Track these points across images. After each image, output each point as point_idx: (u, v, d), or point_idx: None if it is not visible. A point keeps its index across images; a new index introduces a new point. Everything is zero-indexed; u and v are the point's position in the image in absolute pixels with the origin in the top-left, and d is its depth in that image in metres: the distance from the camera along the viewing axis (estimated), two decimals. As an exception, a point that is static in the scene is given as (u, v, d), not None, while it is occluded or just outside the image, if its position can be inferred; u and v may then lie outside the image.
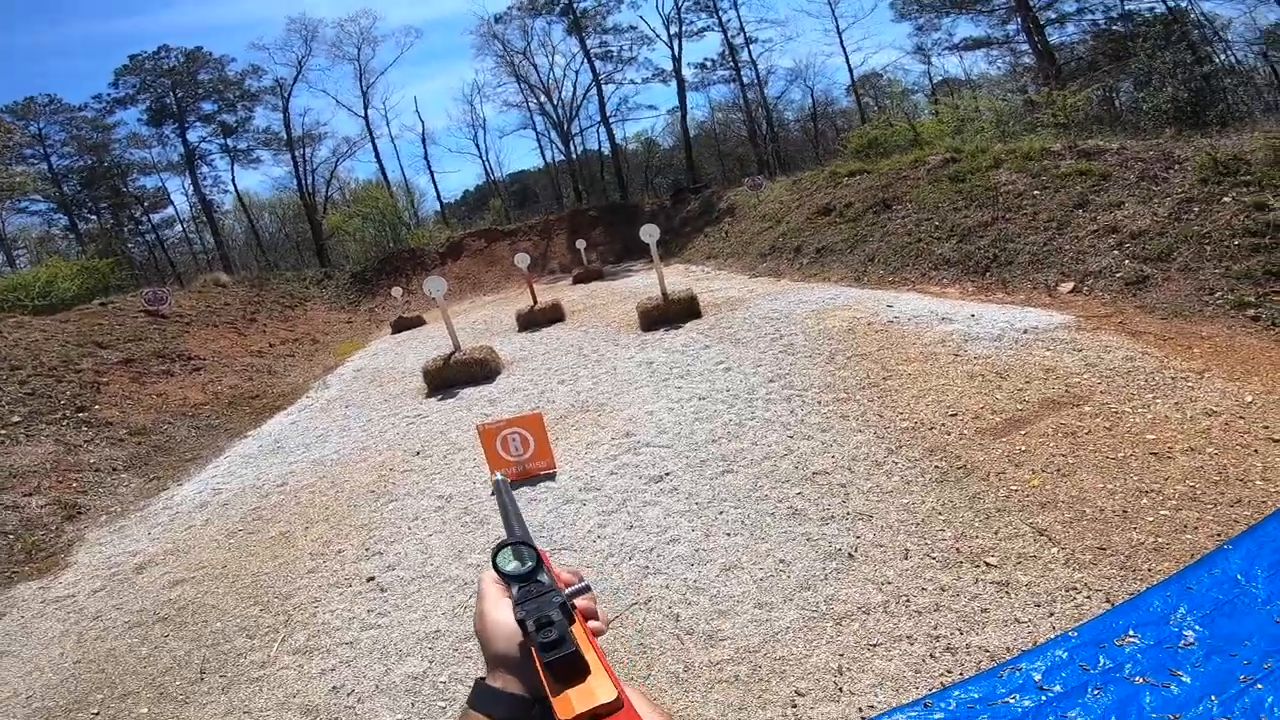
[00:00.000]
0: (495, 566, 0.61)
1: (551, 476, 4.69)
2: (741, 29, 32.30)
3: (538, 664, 0.52)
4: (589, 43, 32.25)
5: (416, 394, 8.44)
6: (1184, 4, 20.74)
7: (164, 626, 3.99)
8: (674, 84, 32.91)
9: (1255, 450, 3.25)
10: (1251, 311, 5.12)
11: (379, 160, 33.70)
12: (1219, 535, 2.62)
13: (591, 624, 0.59)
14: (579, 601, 0.59)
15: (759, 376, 5.79)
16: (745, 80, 33.24)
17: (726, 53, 33.08)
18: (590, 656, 0.52)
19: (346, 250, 28.54)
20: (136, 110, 31.64)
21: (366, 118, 32.94)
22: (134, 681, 3.46)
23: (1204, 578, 1.59)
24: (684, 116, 33.35)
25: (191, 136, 32.39)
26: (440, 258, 24.04)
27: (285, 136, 32.32)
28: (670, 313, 8.96)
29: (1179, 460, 3.30)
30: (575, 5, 31.60)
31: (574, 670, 0.51)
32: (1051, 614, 2.46)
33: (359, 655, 3.22)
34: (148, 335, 12.84)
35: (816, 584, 2.93)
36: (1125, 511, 3.00)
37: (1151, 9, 22.62)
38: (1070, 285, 6.78)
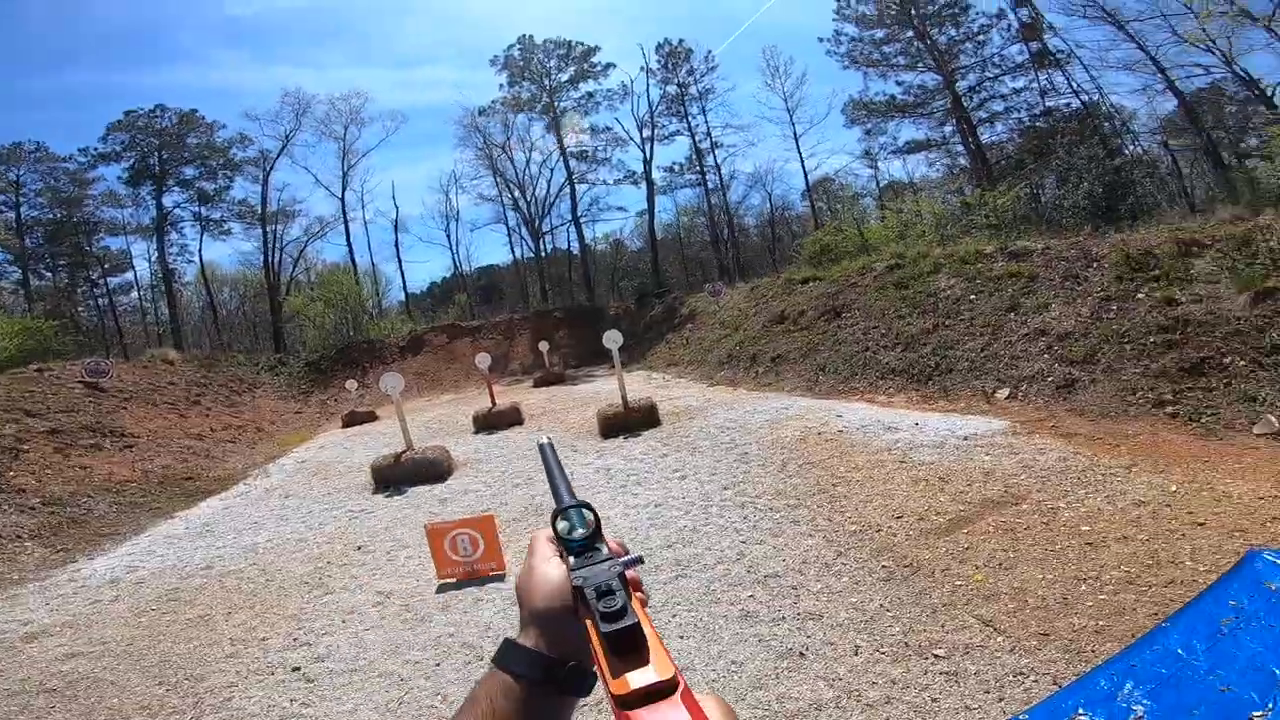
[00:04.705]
0: (555, 531, 0.58)
1: (501, 578, 4.54)
2: (709, 134, 32.93)
3: (593, 635, 0.49)
4: (566, 141, 32.71)
5: (362, 489, 8.11)
6: (1095, 99, 22.15)
7: (50, 698, 3.66)
8: (644, 186, 33.41)
9: (1183, 534, 3.47)
10: (1170, 409, 5.56)
11: (349, 243, 32.56)
12: (1156, 614, 2.72)
13: (638, 595, 0.54)
14: (629, 572, 0.54)
15: (714, 484, 5.86)
16: (710, 185, 33.79)
17: (694, 157, 33.63)
18: (647, 630, 0.48)
19: (304, 336, 27.72)
20: (119, 167, 30.31)
21: (343, 199, 32.20)
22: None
23: (1146, 655, 1.65)
24: (652, 219, 33.76)
25: (166, 201, 31.04)
26: (400, 351, 23.65)
27: (260, 210, 31.26)
28: (630, 421, 8.83)
29: (1113, 548, 3.47)
30: (557, 104, 32.43)
31: (632, 644, 0.47)
32: (1001, 699, 2.49)
33: (276, 751, 2.95)
34: (81, 407, 12.21)
35: (768, 683, 2.86)
36: (1066, 599, 3.09)
37: (1068, 104, 23.93)
38: (1006, 391, 7.17)
